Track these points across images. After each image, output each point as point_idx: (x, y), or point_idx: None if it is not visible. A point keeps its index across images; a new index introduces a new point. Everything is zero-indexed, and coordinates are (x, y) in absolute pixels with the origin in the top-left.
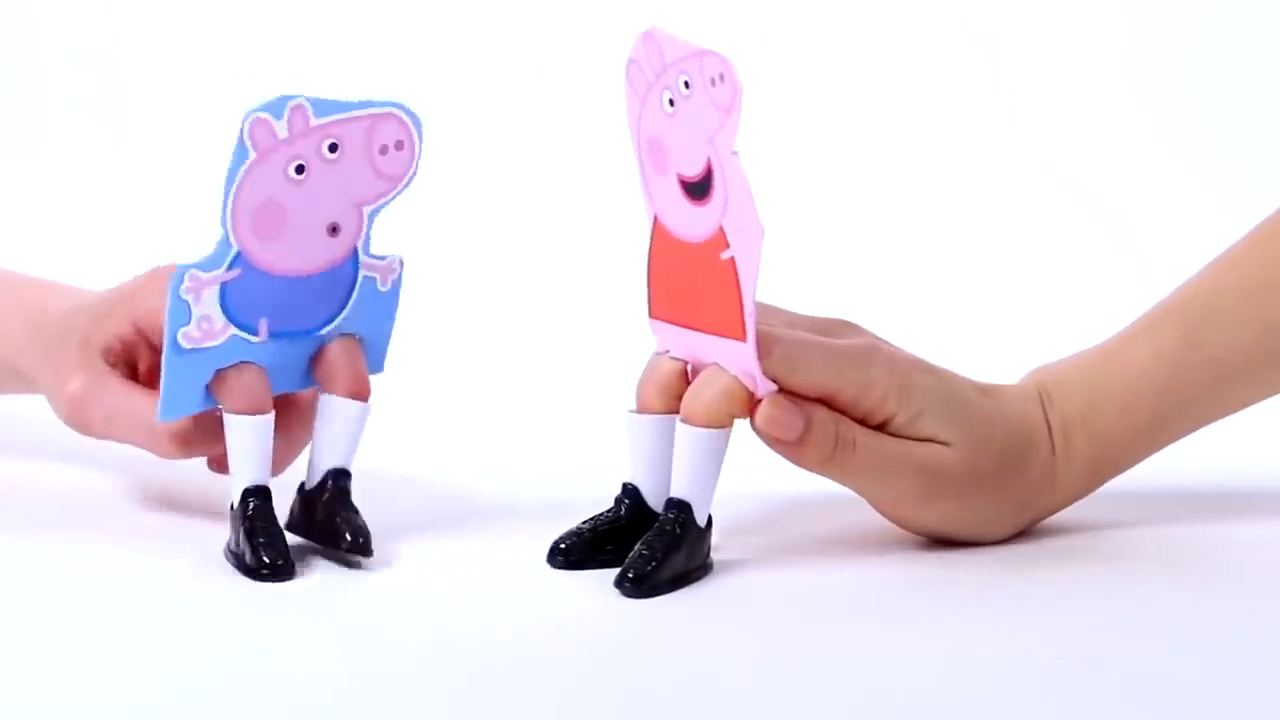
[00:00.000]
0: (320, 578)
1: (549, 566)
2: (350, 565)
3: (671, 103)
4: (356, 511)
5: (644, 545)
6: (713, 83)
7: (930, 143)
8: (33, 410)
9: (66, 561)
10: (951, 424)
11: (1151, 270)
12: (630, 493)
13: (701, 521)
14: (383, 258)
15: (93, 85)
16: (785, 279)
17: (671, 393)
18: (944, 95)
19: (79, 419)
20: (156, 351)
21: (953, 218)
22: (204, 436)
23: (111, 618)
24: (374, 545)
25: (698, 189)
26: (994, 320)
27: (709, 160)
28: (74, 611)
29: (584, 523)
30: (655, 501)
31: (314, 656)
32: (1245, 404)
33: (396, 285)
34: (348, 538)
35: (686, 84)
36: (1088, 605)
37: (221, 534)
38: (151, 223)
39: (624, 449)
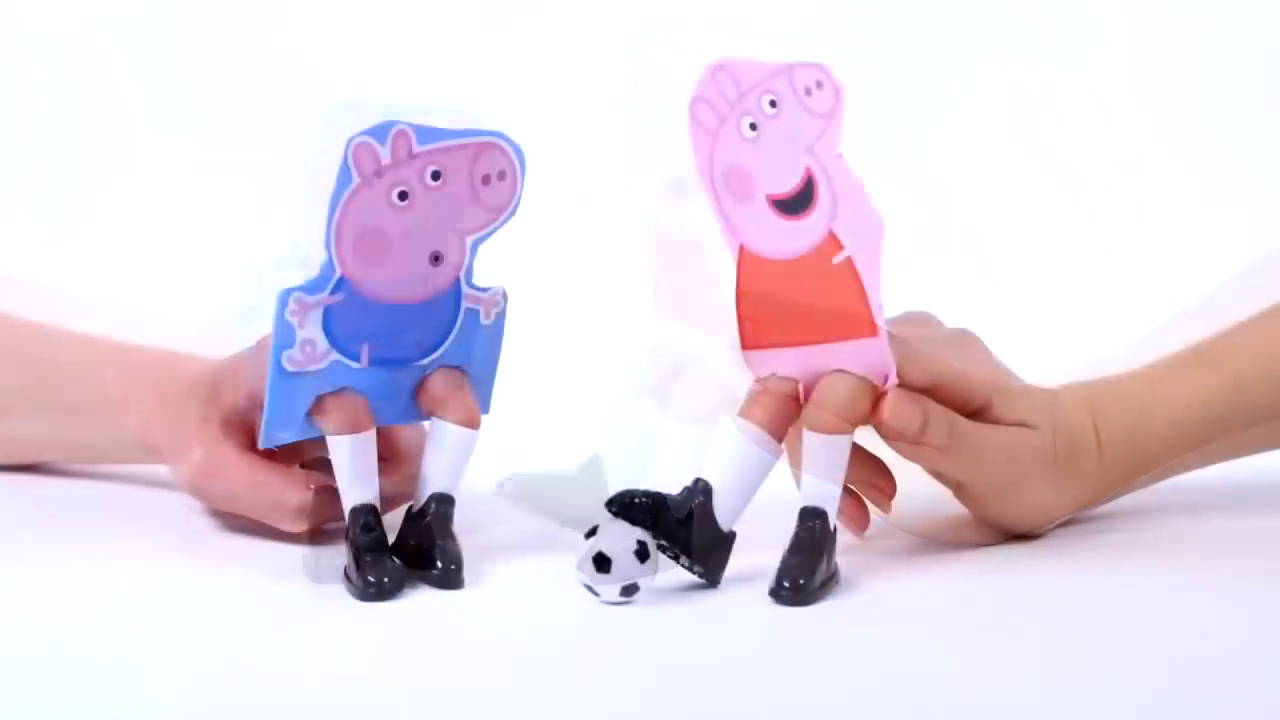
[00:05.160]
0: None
1: (603, 508)
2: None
3: (753, 126)
4: (454, 539)
5: (794, 555)
6: (808, 92)
7: (946, 139)
8: None
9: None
10: (1035, 408)
11: (1162, 271)
12: (704, 490)
13: (833, 527)
14: (485, 289)
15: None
16: None
17: (783, 412)
18: (960, 94)
19: (202, 495)
20: None
21: (966, 213)
22: (325, 507)
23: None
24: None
25: (795, 204)
26: (1005, 315)
27: (808, 170)
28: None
29: (652, 490)
30: (720, 509)
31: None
32: None
33: (500, 320)
34: (439, 565)
35: (773, 103)
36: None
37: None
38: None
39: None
